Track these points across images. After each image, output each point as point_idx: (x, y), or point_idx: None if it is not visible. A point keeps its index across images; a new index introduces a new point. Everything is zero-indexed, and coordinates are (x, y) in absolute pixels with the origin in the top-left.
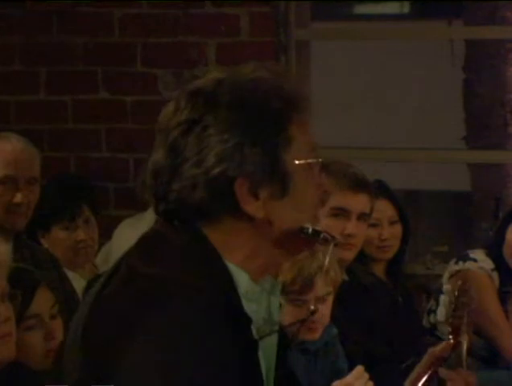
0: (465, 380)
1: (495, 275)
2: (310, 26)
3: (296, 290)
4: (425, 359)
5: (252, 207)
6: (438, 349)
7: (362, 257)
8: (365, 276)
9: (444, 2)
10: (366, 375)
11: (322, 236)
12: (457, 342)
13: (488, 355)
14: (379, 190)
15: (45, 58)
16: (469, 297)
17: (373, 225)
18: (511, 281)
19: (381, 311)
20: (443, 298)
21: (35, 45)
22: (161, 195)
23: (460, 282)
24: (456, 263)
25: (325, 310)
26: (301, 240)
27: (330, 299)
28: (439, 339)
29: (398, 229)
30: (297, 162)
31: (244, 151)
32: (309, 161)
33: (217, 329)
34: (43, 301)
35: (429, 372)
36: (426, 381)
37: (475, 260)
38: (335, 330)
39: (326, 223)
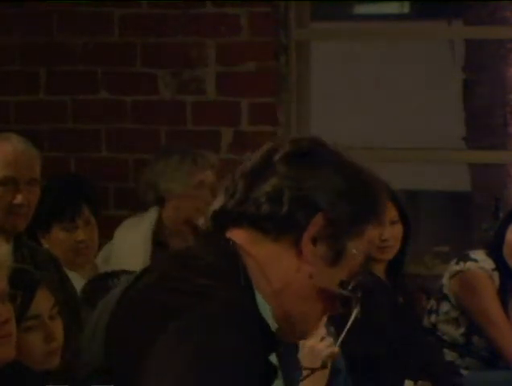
0: None
1: (495, 275)
2: (310, 26)
3: None
4: None
5: (306, 247)
6: None
7: None
8: (365, 276)
9: (444, 2)
10: (329, 339)
11: (359, 294)
12: None
13: (488, 355)
14: None
15: (45, 58)
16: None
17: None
18: (511, 281)
19: (380, 311)
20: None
21: (34, 45)
22: (239, 194)
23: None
24: (457, 263)
25: None
26: (327, 299)
27: None
28: (440, 339)
29: (398, 229)
30: (354, 251)
31: (341, 199)
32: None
33: (249, 342)
34: (43, 302)
35: None
36: None
37: (475, 261)
38: (332, 329)
39: None
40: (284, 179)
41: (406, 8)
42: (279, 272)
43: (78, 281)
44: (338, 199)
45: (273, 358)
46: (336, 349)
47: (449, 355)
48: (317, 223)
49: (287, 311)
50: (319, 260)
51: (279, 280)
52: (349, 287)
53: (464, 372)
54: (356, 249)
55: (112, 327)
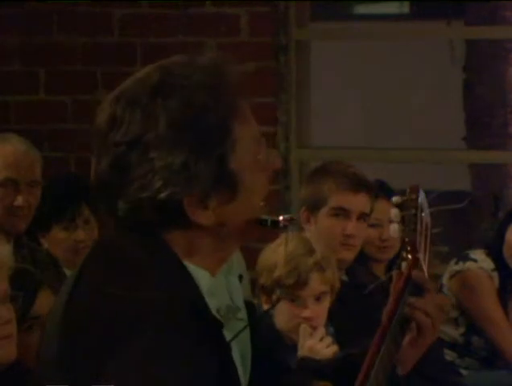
0: (435, 303)
1: (495, 275)
2: (310, 26)
3: (291, 285)
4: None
5: (202, 218)
6: (399, 270)
7: (362, 257)
8: (364, 276)
9: (444, 2)
10: (329, 338)
11: (281, 224)
12: (415, 259)
13: (488, 355)
14: (380, 190)
15: (44, 58)
16: (420, 207)
17: (374, 225)
18: (511, 281)
19: (380, 311)
20: (393, 212)
21: (34, 45)
22: (108, 208)
23: (408, 190)
24: (457, 263)
25: (321, 311)
26: (256, 228)
27: (326, 300)
28: (439, 339)
29: None
30: (243, 160)
31: (189, 171)
32: (256, 155)
33: (190, 342)
34: (44, 303)
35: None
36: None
37: (475, 261)
38: (331, 330)
39: (326, 223)
40: (138, 191)
41: (406, 8)
42: (203, 252)
43: None
44: (186, 173)
45: (225, 332)
46: (335, 349)
47: (449, 355)
48: (189, 205)
49: (228, 256)
50: (223, 208)
51: (206, 256)
52: (268, 221)
53: (463, 372)
54: (243, 156)
55: (62, 344)
